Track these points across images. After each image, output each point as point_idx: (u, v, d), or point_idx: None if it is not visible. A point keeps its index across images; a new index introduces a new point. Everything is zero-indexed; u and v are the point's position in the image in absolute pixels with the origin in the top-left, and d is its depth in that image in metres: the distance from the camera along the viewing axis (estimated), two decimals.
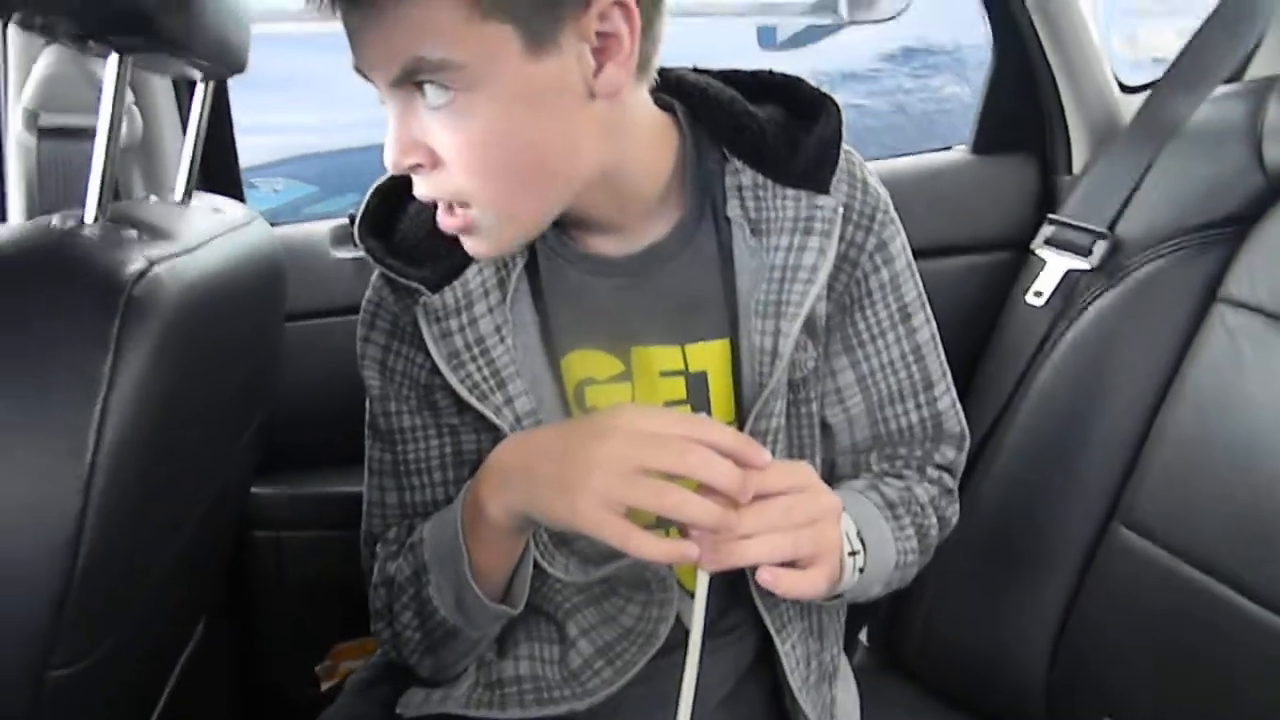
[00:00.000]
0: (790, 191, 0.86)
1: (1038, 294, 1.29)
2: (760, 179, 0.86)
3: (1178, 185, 1.22)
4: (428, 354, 0.86)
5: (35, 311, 0.66)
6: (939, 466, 0.97)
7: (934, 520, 0.95)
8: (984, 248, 1.46)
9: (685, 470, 0.70)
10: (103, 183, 0.76)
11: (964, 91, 2.78)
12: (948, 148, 1.54)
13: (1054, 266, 1.29)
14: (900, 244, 0.93)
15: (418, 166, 0.75)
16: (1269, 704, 0.98)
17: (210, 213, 0.97)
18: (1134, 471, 1.16)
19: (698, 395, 0.89)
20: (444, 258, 0.84)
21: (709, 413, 0.89)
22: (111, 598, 0.74)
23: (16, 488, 0.65)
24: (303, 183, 2.68)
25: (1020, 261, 1.36)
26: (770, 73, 0.91)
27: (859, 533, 0.84)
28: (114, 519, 0.67)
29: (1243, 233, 1.14)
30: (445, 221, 0.78)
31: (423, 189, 0.77)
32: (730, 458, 0.70)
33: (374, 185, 0.89)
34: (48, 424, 0.65)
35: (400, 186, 0.87)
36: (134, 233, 0.77)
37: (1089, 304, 1.24)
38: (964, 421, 0.99)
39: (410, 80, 0.71)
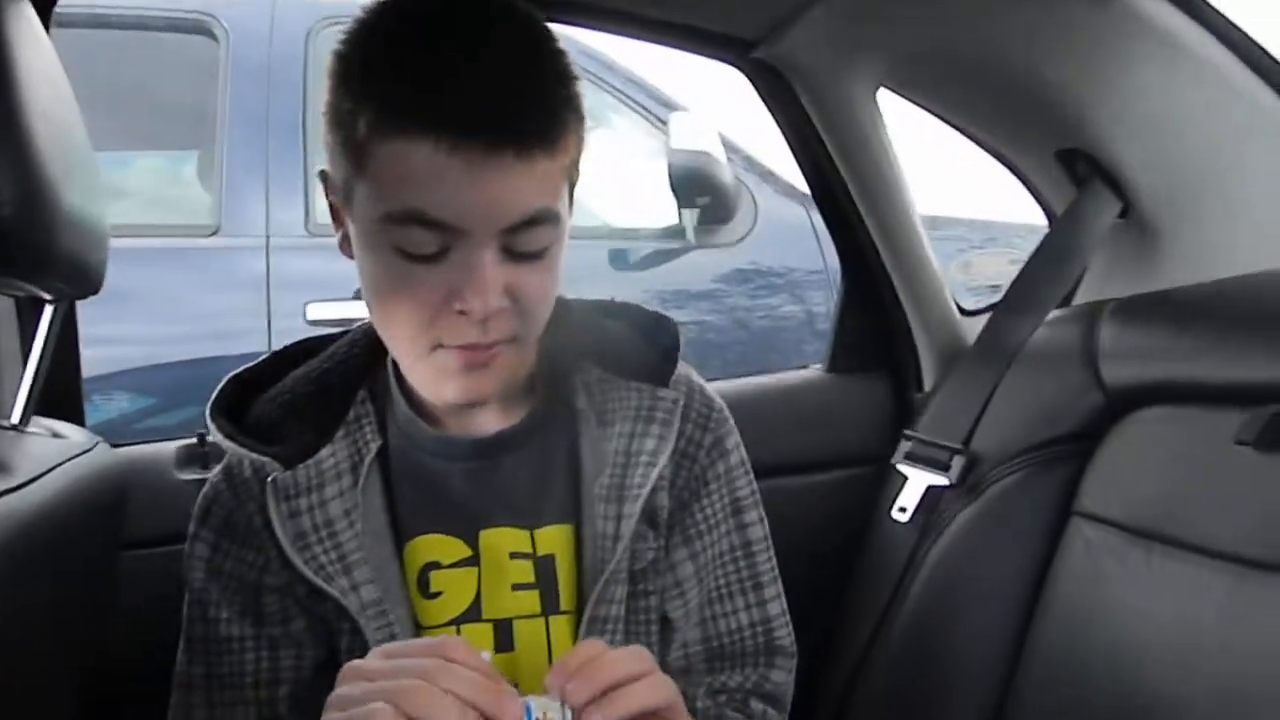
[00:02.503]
0: (633, 385, 0.93)
1: (902, 509, 1.32)
2: (606, 375, 0.93)
3: (1024, 403, 1.29)
4: (259, 551, 0.86)
5: None
6: (766, 695, 0.97)
7: None
8: (846, 463, 1.49)
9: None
10: None
11: (799, 310, 2.93)
12: (804, 366, 1.60)
13: (915, 481, 1.33)
14: (734, 442, 0.99)
15: (501, 309, 0.78)
16: None
17: (48, 439, 0.90)
18: (1010, 687, 1.16)
19: (546, 578, 0.90)
20: (297, 438, 0.86)
21: (556, 595, 0.90)
22: None
23: None
24: (139, 395, 2.56)
25: (883, 476, 1.39)
26: (613, 300, 1.00)
27: None
28: None
29: (1090, 448, 1.19)
30: (473, 359, 0.79)
31: (487, 334, 0.78)
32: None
33: (230, 374, 0.90)
34: None
35: (254, 378, 0.90)
36: None
37: (952, 518, 1.28)
38: (792, 636, 1.00)
39: (521, 229, 0.76)
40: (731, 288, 2.88)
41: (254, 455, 0.84)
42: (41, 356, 0.92)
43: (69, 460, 0.85)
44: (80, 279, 0.83)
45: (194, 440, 1.31)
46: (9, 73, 0.70)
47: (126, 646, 1.07)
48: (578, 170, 0.83)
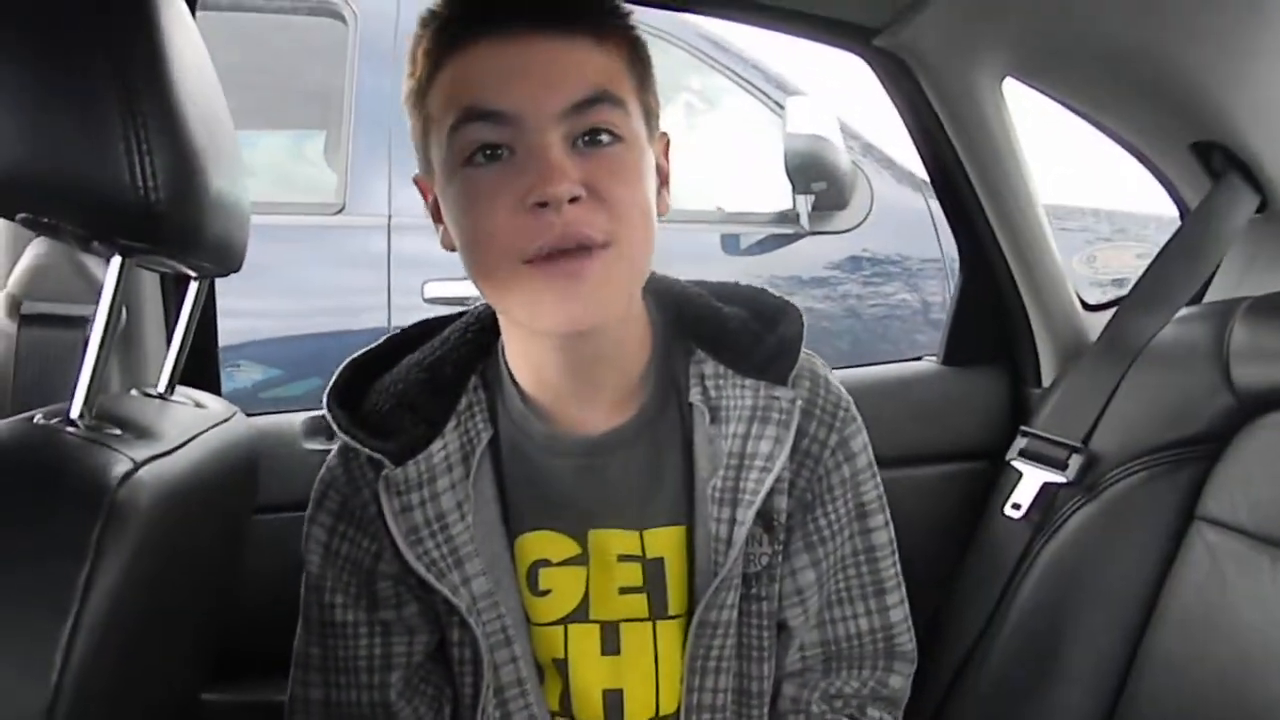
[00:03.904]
0: (749, 381, 0.89)
1: (1016, 506, 1.30)
2: (721, 369, 0.89)
3: (1149, 402, 1.25)
4: (374, 539, 0.87)
5: (17, 519, 0.63)
6: (883, 700, 0.95)
7: None
8: (959, 457, 1.47)
9: None
10: (92, 381, 0.74)
11: (913, 299, 2.88)
12: (919, 358, 1.58)
13: (1031, 478, 1.30)
14: (862, 443, 0.95)
15: (577, 198, 0.76)
16: None
17: (192, 408, 0.95)
18: (1122, 696, 1.13)
19: (654, 581, 0.89)
20: (408, 431, 0.85)
21: (665, 599, 0.89)
22: None
23: None
24: (266, 365, 2.68)
25: (996, 472, 1.37)
26: (736, 283, 0.96)
27: None
28: None
29: (1216, 451, 1.16)
30: (564, 266, 0.77)
31: (571, 223, 0.76)
32: None
33: (349, 358, 0.91)
34: (14, 643, 0.61)
35: (371, 361, 0.90)
36: (118, 431, 0.75)
37: (1068, 518, 1.25)
38: (914, 642, 0.97)
39: (585, 112, 0.77)
40: (844, 275, 2.86)
41: (367, 451, 0.85)
42: (186, 330, 0.97)
43: (211, 429, 0.90)
44: (225, 257, 0.87)
45: (320, 413, 1.37)
46: (162, 60, 0.74)
47: (249, 605, 1.13)
48: (644, 67, 0.84)
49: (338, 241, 2.70)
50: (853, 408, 0.94)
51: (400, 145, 2.61)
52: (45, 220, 0.73)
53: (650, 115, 0.84)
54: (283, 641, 1.14)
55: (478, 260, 0.81)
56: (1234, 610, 1.06)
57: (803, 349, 0.91)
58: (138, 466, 0.69)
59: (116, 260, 0.76)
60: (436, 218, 0.86)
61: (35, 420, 0.72)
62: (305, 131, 2.97)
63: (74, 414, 0.73)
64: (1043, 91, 1.38)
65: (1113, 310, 1.38)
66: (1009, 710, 1.22)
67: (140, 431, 0.77)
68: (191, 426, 0.86)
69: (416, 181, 0.88)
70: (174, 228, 0.74)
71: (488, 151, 0.77)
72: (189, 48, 0.81)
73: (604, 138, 0.78)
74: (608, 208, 0.77)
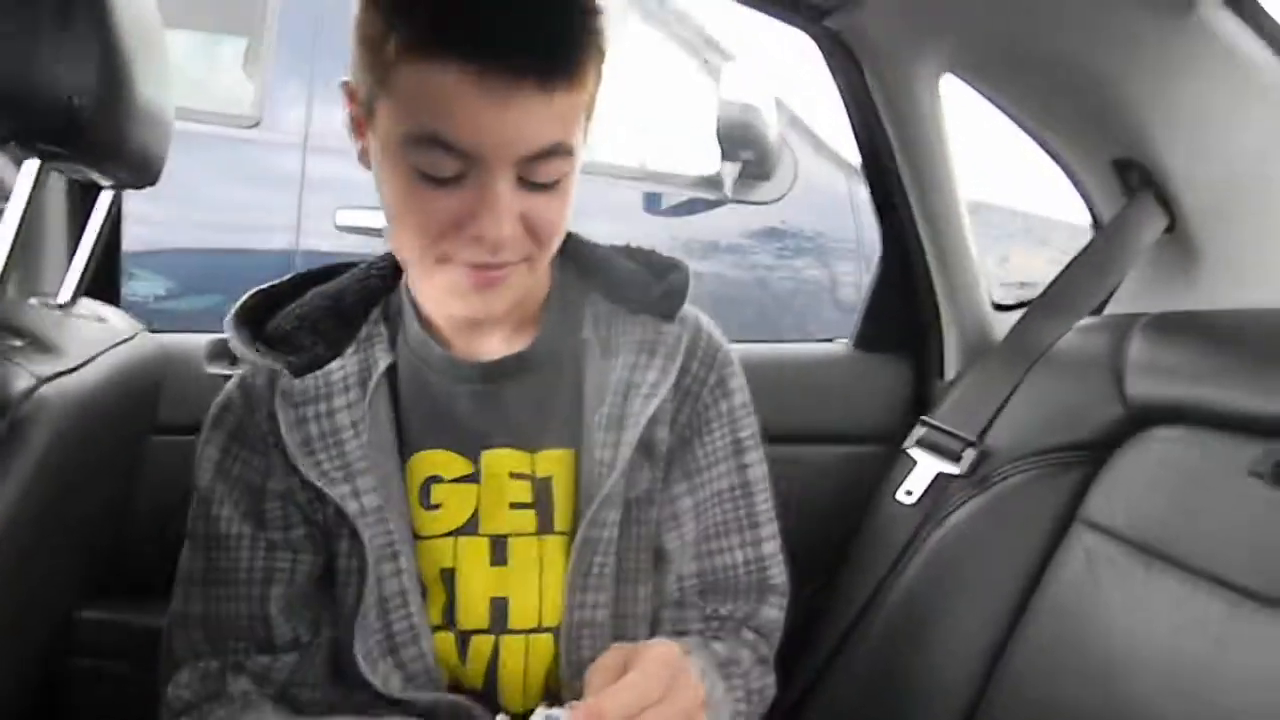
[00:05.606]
0: (639, 317, 0.96)
1: (908, 492, 1.34)
2: (614, 308, 0.96)
3: (1043, 405, 1.30)
4: (265, 457, 0.90)
5: None
6: (757, 630, 1.00)
7: (757, 687, 0.98)
8: (858, 440, 1.50)
9: None
10: None
11: (823, 276, 2.92)
12: (830, 340, 1.61)
13: (925, 467, 1.34)
14: (739, 384, 1.01)
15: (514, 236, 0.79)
16: None
17: (95, 322, 0.91)
18: (991, 680, 1.18)
19: (542, 499, 0.93)
20: (309, 350, 0.90)
21: (551, 516, 0.93)
22: None
23: None
24: (158, 276, 2.58)
25: (893, 458, 1.40)
26: (628, 245, 1.02)
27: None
28: None
29: (1103, 458, 1.21)
30: (483, 278, 0.81)
31: (499, 256, 0.80)
32: None
33: (255, 288, 0.93)
34: None
35: (276, 293, 0.93)
36: (19, 343, 0.71)
37: (957, 508, 1.29)
38: (785, 574, 1.03)
39: (539, 162, 0.78)
40: (759, 245, 2.88)
41: (266, 362, 0.88)
42: (96, 241, 0.93)
43: (115, 346, 0.86)
44: (144, 170, 0.84)
45: (225, 336, 1.33)
46: None
47: (144, 526, 1.10)
48: (594, 105, 0.84)
49: (249, 156, 2.62)
50: (731, 353, 1.01)
51: (323, 63, 2.54)
52: None
53: (593, 103, 0.84)
54: (165, 565, 1.11)
55: (399, 245, 0.84)
56: (1104, 611, 1.11)
57: (687, 302, 0.97)
58: (41, 382, 0.66)
59: (33, 164, 0.72)
60: (358, 132, 0.84)
61: None
62: (221, 36, 2.85)
63: None
64: (979, 91, 1.40)
65: (1020, 312, 1.42)
66: (883, 687, 1.26)
67: (43, 345, 0.74)
68: (95, 343, 0.83)
69: (345, 88, 0.84)
70: (97, 137, 0.71)
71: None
72: None
73: (550, 180, 0.80)
74: (537, 236, 0.82)
